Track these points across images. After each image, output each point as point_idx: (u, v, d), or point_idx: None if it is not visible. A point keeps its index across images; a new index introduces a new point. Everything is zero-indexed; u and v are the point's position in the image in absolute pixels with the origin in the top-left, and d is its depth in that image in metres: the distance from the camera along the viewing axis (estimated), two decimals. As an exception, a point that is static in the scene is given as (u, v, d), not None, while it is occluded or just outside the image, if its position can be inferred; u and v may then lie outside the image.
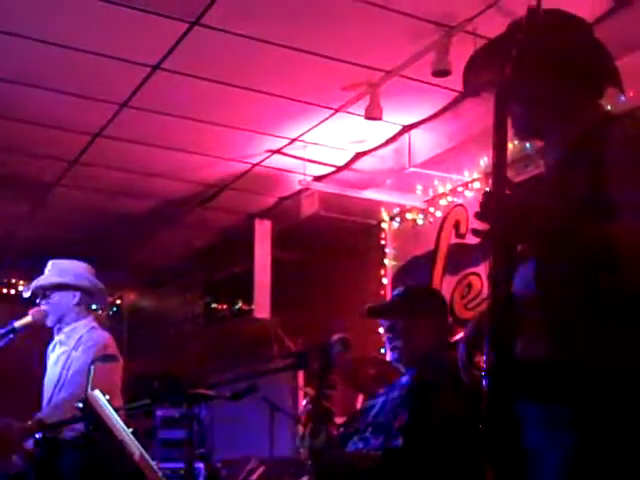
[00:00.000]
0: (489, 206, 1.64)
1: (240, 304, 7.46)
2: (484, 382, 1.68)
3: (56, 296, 4.23)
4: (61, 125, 5.56)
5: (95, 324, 4.30)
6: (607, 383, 1.65)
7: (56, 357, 4.25)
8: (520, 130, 1.94)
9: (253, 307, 6.82)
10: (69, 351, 4.18)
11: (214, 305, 7.98)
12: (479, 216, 1.65)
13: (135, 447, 3.59)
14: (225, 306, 7.81)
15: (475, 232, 1.67)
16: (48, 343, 4.35)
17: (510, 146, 5.56)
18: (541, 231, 1.66)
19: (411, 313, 3.07)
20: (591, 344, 1.68)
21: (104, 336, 4.24)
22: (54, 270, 4.30)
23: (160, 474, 3.55)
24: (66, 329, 4.24)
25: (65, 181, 6.53)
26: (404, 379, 3.03)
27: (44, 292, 4.24)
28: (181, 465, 5.22)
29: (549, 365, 1.71)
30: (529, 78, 1.84)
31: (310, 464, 2.89)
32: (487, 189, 1.71)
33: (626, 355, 1.66)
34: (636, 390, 1.65)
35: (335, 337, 2.99)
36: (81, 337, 4.20)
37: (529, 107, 1.90)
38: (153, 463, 3.58)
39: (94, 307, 4.53)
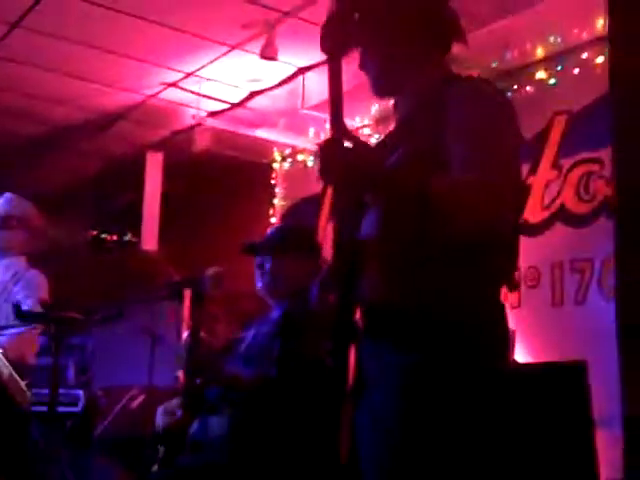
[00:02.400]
0: (329, 160, 1.75)
1: (129, 236, 7.44)
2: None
3: None
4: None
5: None
6: (434, 325, 1.76)
7: None
8: (376, 88, 2.03)
9: (140, 239, 6.84)
10: None
11: (102, 235, 7.92)
12: (320, 171, 1.76)
13: (3, 366, 3.63)
14: (113, 237, 7.76)
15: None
16: None
17: (376, 106, 5.70)
18: (378, 185, 1.77)
19: (281, 253, 3.16)
20: (421, 289, 1.78)
21: None
22: None
23: (29, 394, 3.62)
24: None
25: (-50, 100, 6.35)
26: (274, 314, 3.13)
27: None
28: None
29: (383, 306, 1.82)
30: (378, 30, 1.95)
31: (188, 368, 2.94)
32: (325, 140, 1.80)
33: (453, 299, 1.77)
34: (461, 332, 1.76)
35: (208, 272, 3.02)
36: None
37: (381, 62, 1.99)
38: (23, 383, 3.64)
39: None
